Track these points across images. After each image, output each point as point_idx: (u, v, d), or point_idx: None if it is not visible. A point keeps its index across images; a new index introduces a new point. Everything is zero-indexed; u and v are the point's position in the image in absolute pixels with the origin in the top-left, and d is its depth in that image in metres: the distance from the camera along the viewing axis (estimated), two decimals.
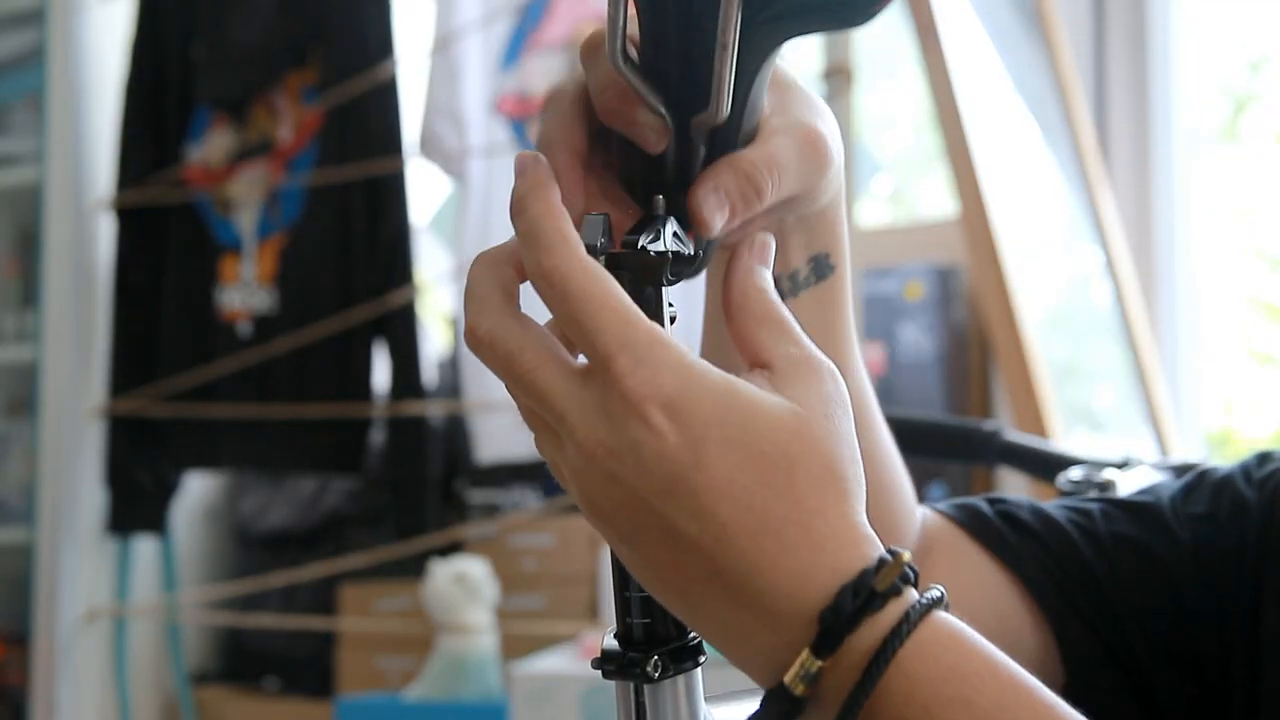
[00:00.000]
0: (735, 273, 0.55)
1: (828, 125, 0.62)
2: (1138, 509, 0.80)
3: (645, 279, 0.55)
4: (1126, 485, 0.91)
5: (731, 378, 0.50)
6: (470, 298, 0.53)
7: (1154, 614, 0.76)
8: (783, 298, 0.70)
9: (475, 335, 0.52)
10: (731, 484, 0.49)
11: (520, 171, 0.52)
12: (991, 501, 0.81)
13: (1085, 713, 0.77)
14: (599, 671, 0.57)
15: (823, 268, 0.70)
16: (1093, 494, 0.83)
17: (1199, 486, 0.80)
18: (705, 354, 0.75)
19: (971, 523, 0.80)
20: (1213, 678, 0.76)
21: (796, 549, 0.50)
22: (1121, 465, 1.00)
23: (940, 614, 0.51)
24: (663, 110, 0.56)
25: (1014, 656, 0.78)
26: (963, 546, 0.80)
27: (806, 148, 0.60)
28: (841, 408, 0.52)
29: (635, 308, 0.50)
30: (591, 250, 0.53)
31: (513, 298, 0.52)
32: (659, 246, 0.55)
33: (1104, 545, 0.78)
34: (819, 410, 0.51)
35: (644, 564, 0.52)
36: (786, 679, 0.50)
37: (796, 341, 0.53)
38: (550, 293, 0.50)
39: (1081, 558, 0.78)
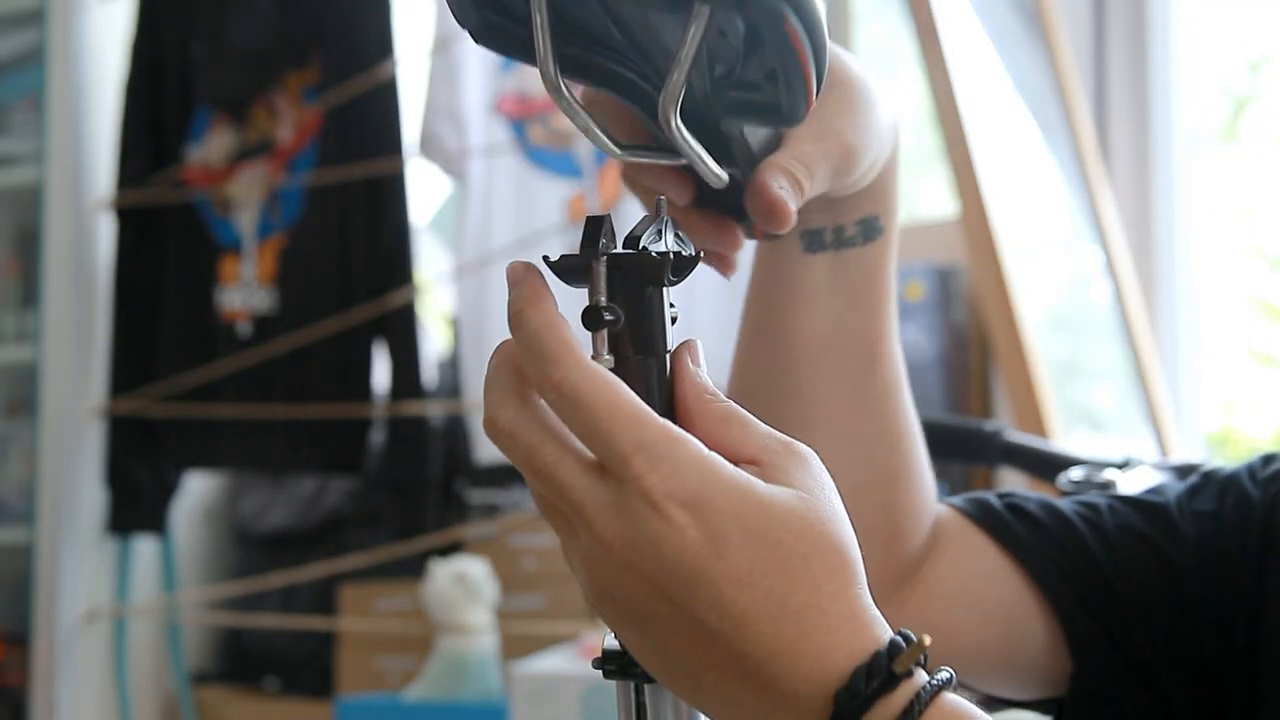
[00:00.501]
0: (681, 381, 0.55)
1: (861, 122, 0.64)
2: (1144, 506, 0.80)
3: (647, 279, 0.55)
4: (1127, 485, 0.92)
5: (743, 472, 0.52)
6: (490, 388, 0.54)
7: (1158, 608, 0.77)
8: (823, 248, 0.72)
9: (496, 426, 0.53)
10: (752, 574, 0.51)
11: (514, 283, 0.53)
12: (1000, 496, 0.83)
13: (1092, 703, 0.77)
14: (599, 671, 0.57)
15: (871, 230, 0.72)
16: (1096, 492, 0.84)
17: (1205, 486, 0.81)
18: (737, 366, 0.77)
19: (980, 514, 0.81)
20: (1215, 672, 0.76)
21: (815, 632, 0.52)
22: (1122, 465, 1.00)
23: (948, 695, 0.52)
24: (681, 164, 0.59)
25: (1020, 646, 0.79)
26: (970, 538, 0.80)
27: (834, 152, 0.63)
28: (831, 487, 0.54)
29: (646, 407, 0.52)
30: (594, 250, 0.53)
31: (531, 389, 0.53)
32: (660, 247, 0.55)
33: (1110, 539, 0.79)
34: (818, 494, 0.53)
35: (654, 650, 0.53)
36: None
37: (769, 433, 0.55)
38: (560, 403, 0.51)
39: (1088, 550, 0.78)
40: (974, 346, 2.48)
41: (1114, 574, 0.78)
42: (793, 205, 0.60)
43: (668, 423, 0.52)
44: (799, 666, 0.51)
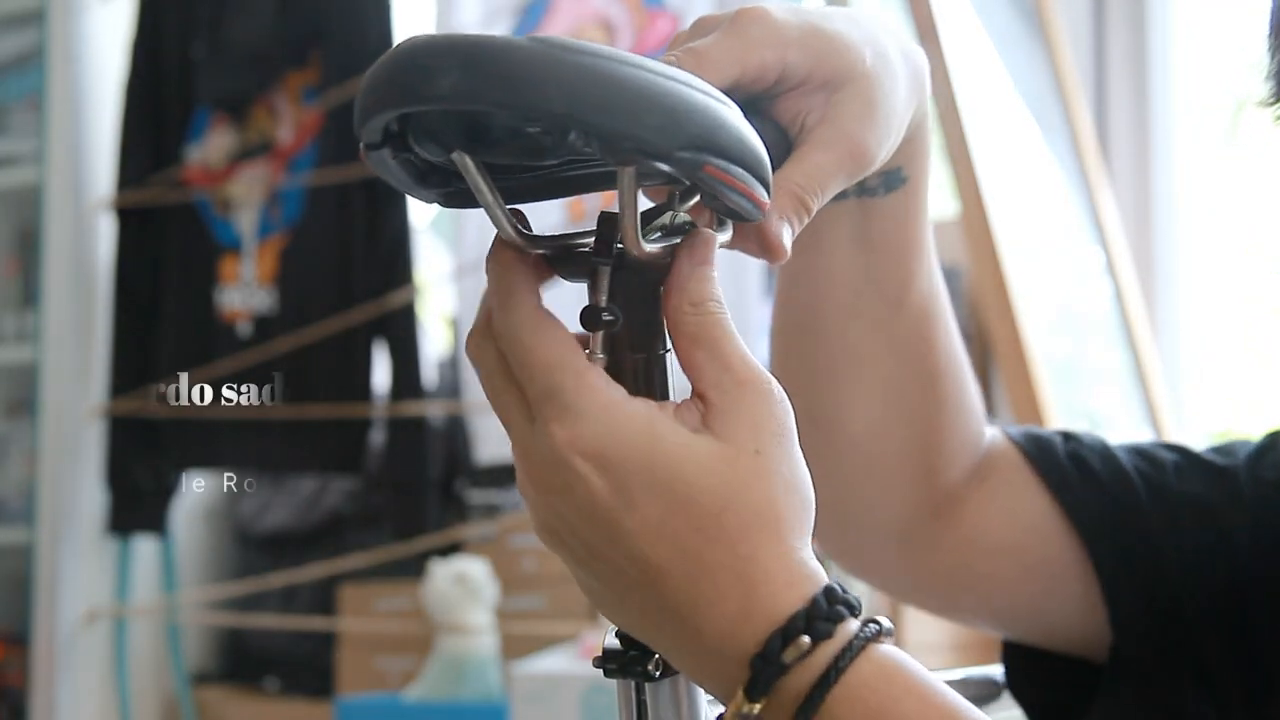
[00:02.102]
0: (668, 288, 0.55)
1: (876, 116, 0.61)
2: (1211, 470, 0.79)
3: (650, 280, 0.55)
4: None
5: (659, 420, 0.51)
6: (479, 312, 0.56)
7: (1212, 584, 0.76)
8: (843, 196, 0.71)
9: (468, 348, 0.55)
10: (662, 527, 0.51)
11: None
12: (1065, 437, 0.81)
13: (1130, 675, 0.76)
14: (600, 670, 0.57)
15: (894, 181, 0.71)
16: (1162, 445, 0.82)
17: (1272, 448, 0.79)
18: (776, 310, 0.78)
19: (1040, 457, 0.80)
20: (1263, 645, 0.75)
21: (731, 592, 0.51)
22: None
23: (878, 649, 0.51)
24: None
25: (1058, 601, 0.78)
26: (1026, 482, 0.79)
27: (846, 160, 0.61)
28: (775, 435, 0.53)
29: (570, 353, 0.52)
30: (606, 249, 0.53)
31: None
32: (665, 244, 0.55)
33: (1170, 502, 0.77)
34: (749, 447, 0.52)
35: (598, 590, 0.54)
36: (726, 716, 0.51)
37: (729, 365, 0.53)
38: (503, 343, 0.53)
39: (1144, 517, 0.77)
40: (974, 346, 2.48)
41: (1167, 544, 0.76)
42: (789, 240, 0.59)
43: (588, 368, 0.52)
44: (717, 625, 0.51)
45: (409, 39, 0.50)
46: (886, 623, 0.52)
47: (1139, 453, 0.80)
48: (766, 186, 0.53)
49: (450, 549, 2.43)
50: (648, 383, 0.55)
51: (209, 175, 2.51)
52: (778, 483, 0.52)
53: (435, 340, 2.93)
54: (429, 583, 2.27)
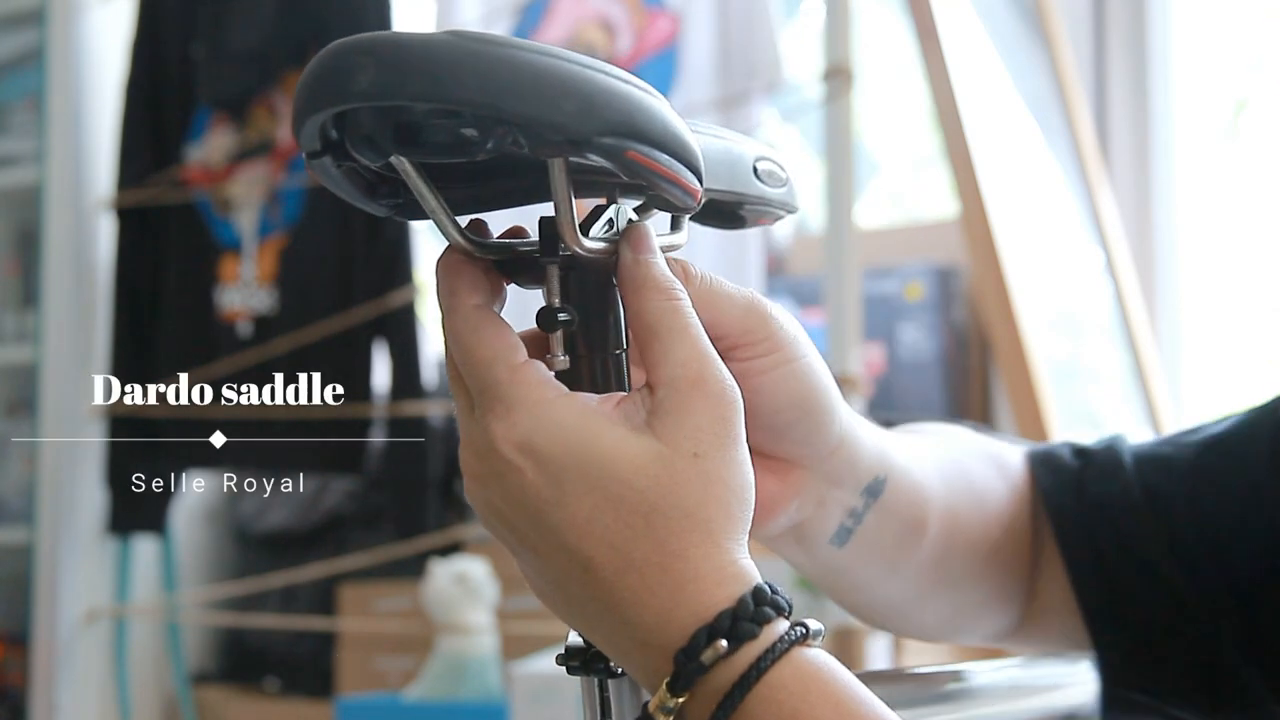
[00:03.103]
0: (620, 282, 0.55)
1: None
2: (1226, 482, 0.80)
3: (601, 278, 0.55)
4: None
5: (595, 416, 0.52)
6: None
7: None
8: (849, 536, 0.69)
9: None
10: (591, 523, 0.51)
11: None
12: (1080, 456, 0.83)
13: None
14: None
15: (877, 488, 0.69)
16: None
17: None
18: None
19: (1051, 509, 0.82)
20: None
21: (659, 589, 0.51)
22: None
23: (802, 653, 0.51)
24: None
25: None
26: (1048, 535, 0.82)
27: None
28: (719, 437, 0.53)
29: (507, 350, 0.53)
30: (553, 249, 0.54)
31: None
32: (610, 240, 0.55)
33: (1169, 530, 0.80)
34: (687, 449, 0.52)
35: (533, 576, 0.55)
36: (650, 707, 0.52)
37: (683, 362, 0.53)
38: (448, 343, 0.55)
39: (1132, 544, 0.80)
40: (974, 346, 2.48)
41: (1161, 560, 0.79)
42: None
43: (525, 364, 0.53)
44: (645, 619, 0.51)
45: (333, 43, 0.51)
46: (815, 625, 0.52)
47: (1159, 464, 0.83)
48: (697, 174, 0.53)
49: (450, 549, 2.43)
50: (605, 381, 0.55)
51: (209, 175, 2.51)
52: (714, 485, 0.52)
53: (435, 340, 2.93)
54: (429, 583, 2.27)
